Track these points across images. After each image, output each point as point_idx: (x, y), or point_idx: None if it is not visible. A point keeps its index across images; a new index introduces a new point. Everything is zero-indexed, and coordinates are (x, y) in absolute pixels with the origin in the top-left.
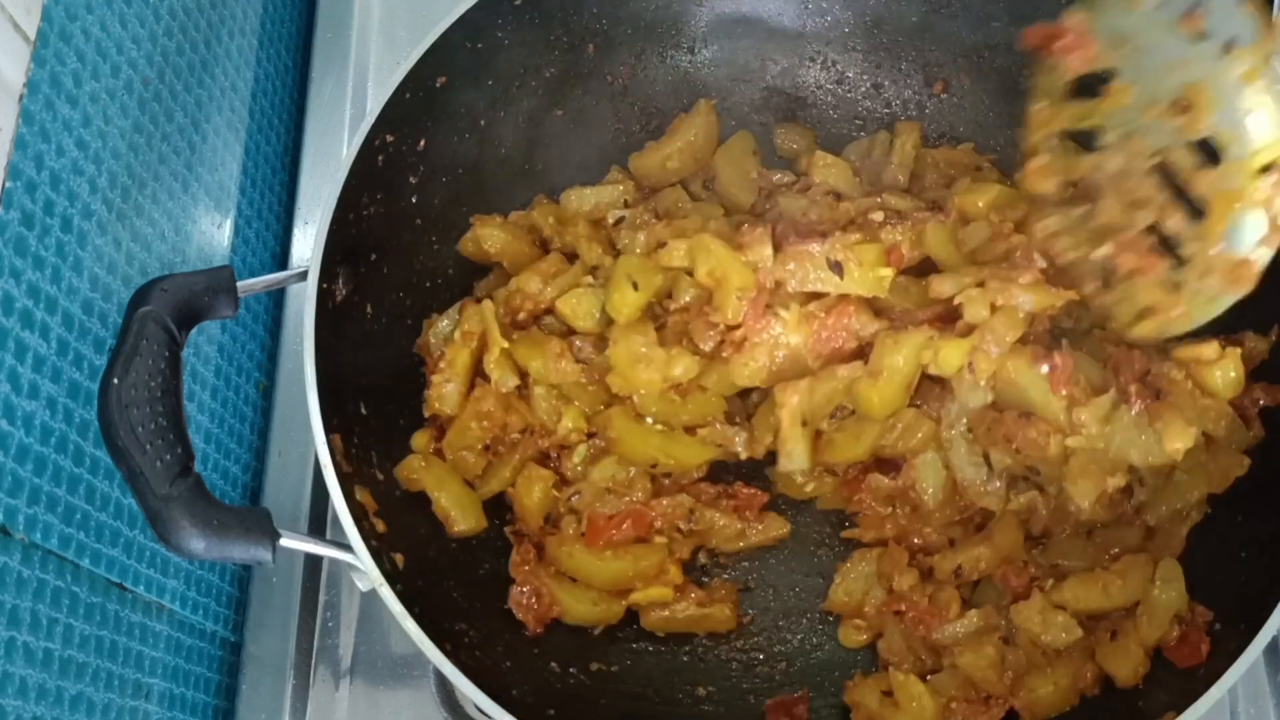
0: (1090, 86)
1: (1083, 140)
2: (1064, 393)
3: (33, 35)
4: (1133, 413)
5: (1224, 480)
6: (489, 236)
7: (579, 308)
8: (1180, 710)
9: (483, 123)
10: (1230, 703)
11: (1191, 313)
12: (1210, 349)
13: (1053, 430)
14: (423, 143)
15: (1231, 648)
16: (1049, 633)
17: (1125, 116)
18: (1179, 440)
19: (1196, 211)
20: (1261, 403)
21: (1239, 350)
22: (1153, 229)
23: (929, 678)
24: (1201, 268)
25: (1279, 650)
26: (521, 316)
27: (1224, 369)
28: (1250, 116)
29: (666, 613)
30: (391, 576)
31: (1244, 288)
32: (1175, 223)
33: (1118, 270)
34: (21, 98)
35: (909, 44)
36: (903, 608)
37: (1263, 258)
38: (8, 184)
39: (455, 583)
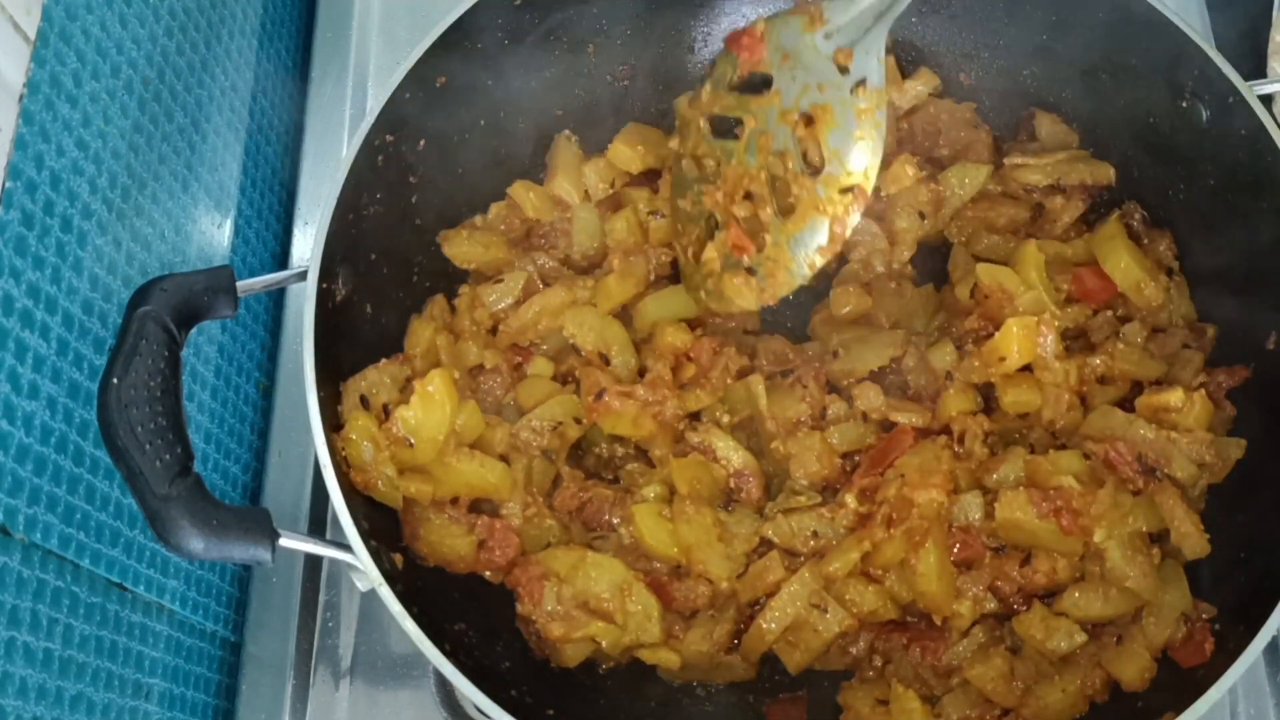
0: (755, 86)
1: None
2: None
3: (33, 35)
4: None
5: (1225, 468)
6: (456, 253)
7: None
8: (1180, 710)
9: (483, 123)
10: (1230, 703)
11: (766, 290)
12: (1175, 396)
13: (1063, 555)
14: (423, 143)
15: (1231, 648)
16: (1053, 640)
17: (767, 116)
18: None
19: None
20: (1225, 385)
21: (1203, 393)
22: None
23: (941, 700)
24: (772, 258)
25: (1279, 650)
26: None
27: (1191, 407)
28: (855, 145)
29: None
30: (391, 576)
31: (793, 284)
32: (766, 214)
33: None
34: (21, 98)
35: (908, 44)
36: (906, 641)
37: (817, 262)
38: (8, 184)
39: (455, 583)
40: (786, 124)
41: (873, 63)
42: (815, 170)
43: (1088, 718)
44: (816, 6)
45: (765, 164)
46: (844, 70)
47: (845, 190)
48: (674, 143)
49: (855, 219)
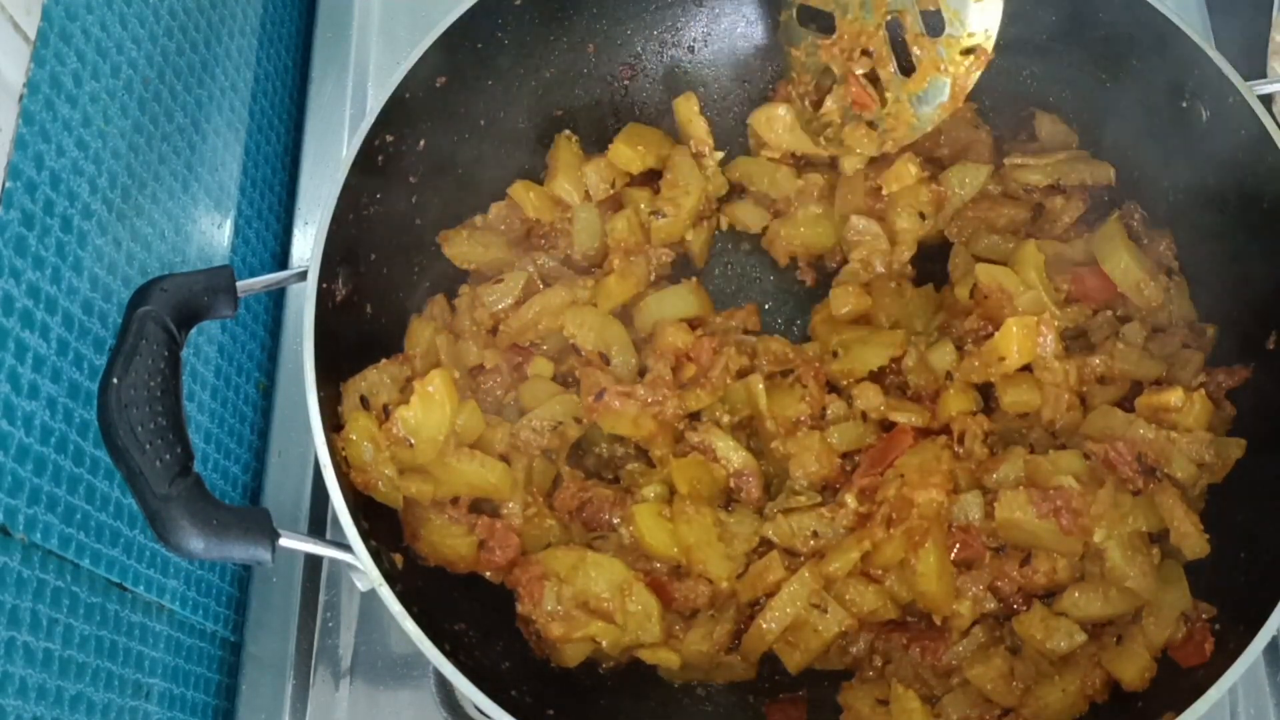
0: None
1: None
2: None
3: (33, 35)
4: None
5: (1225, 468)
6: (456, 253)
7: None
8: (1180, 710)
9: (483, 123)
10: (1230, 703)
11: (888, 140)
12: (1175, 396)
13: (1063, 555)
14: (423, 143)
15: (1231, 648)
16: (1052, 639)
17: None
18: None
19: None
20: (1225, 385)
21: (1203, 393)
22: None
23: (941, 700)
24: (894, 114)
25: (1279, 650)
26: (488, 327)
27: (1191, 407)
28: (974, 5)
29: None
30: (391, 576)
31: (915, 135)
32: (887, 74)
33: (844, 102)
34: (21, 98)
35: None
36: (906, 641)
37: (938, 117)
38: (8, 184)
39: (455, 583)
40: None
41: None
42: (935, 31)
43: (1088, 718)
44: None
45: (882, 21)
46: None
47: (967, 51)
48: None
49: (976, 78)
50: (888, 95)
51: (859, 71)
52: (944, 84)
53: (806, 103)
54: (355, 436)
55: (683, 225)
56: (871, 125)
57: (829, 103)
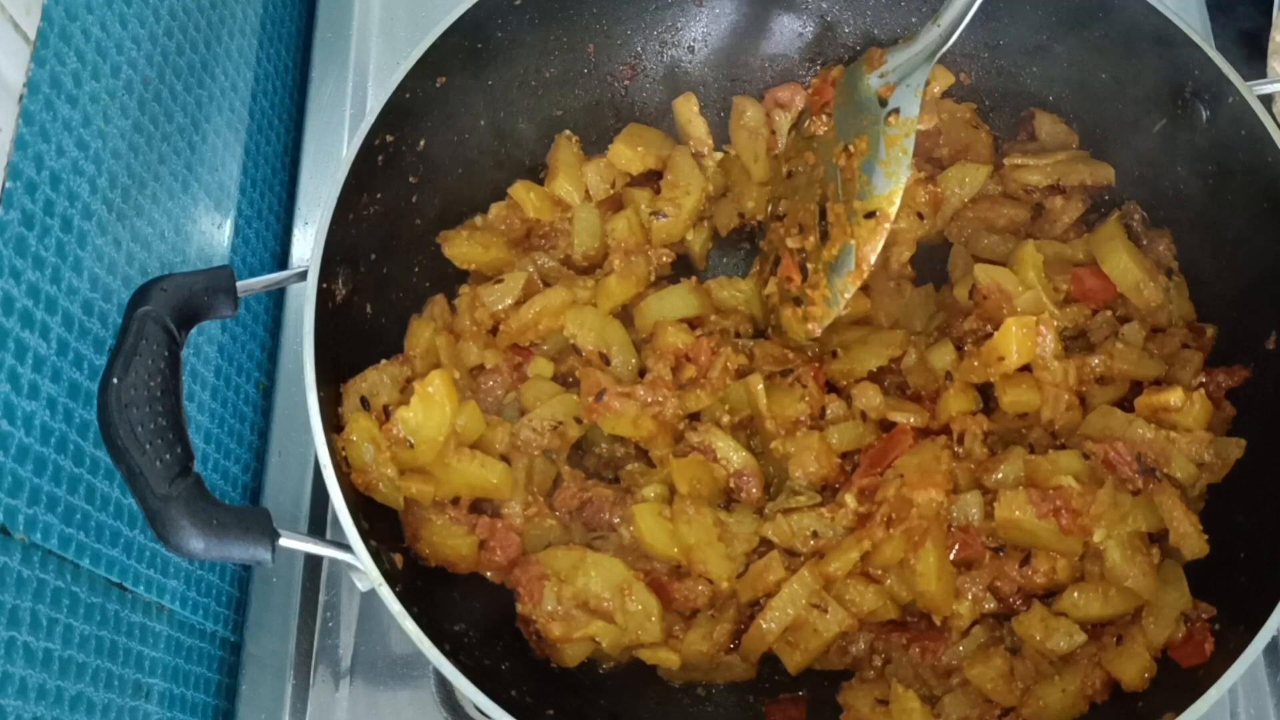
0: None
1: None
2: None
3: (33, 35)
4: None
5: (1224, 467)
6: (456, 254)
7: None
8: (1180, 710)
9: (483, 123)
10: (1230, 703)
11: (809, 319)
12: (1175, 396)
13: (1063, 555)
14: (423, 143)
15: (1231, 648)
16: (1052, 639)
17: (823, 152)
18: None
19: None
20: (1225, 385)
21: (1203, 393)
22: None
23: (941, 700)
24: (813, 285)
25: (1279, 650)
26: (489, 327)
27: (1190, 407)
28: (879, 169)
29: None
30: (391, 576)
31: (830, 311)
32: (811, 244)
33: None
34: (21, 98)
35: None
36: (906, 641)
37: (847, 289)
38: (8, 184)
39: (455, 583)
40: (834, 157)
41: (910, 94)
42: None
43: (1088, 718)
44: (880, 51)
45: (814, 195)
46: (883, 102)
47: (869, 215)
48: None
49: (878, 243)
50: (809, 266)
51: (793, 246)
52: (850, 250)
53: (763, 292)
54: (356, 437)
55: (683, 225)
56: (798, 303)
57: (770, 285)
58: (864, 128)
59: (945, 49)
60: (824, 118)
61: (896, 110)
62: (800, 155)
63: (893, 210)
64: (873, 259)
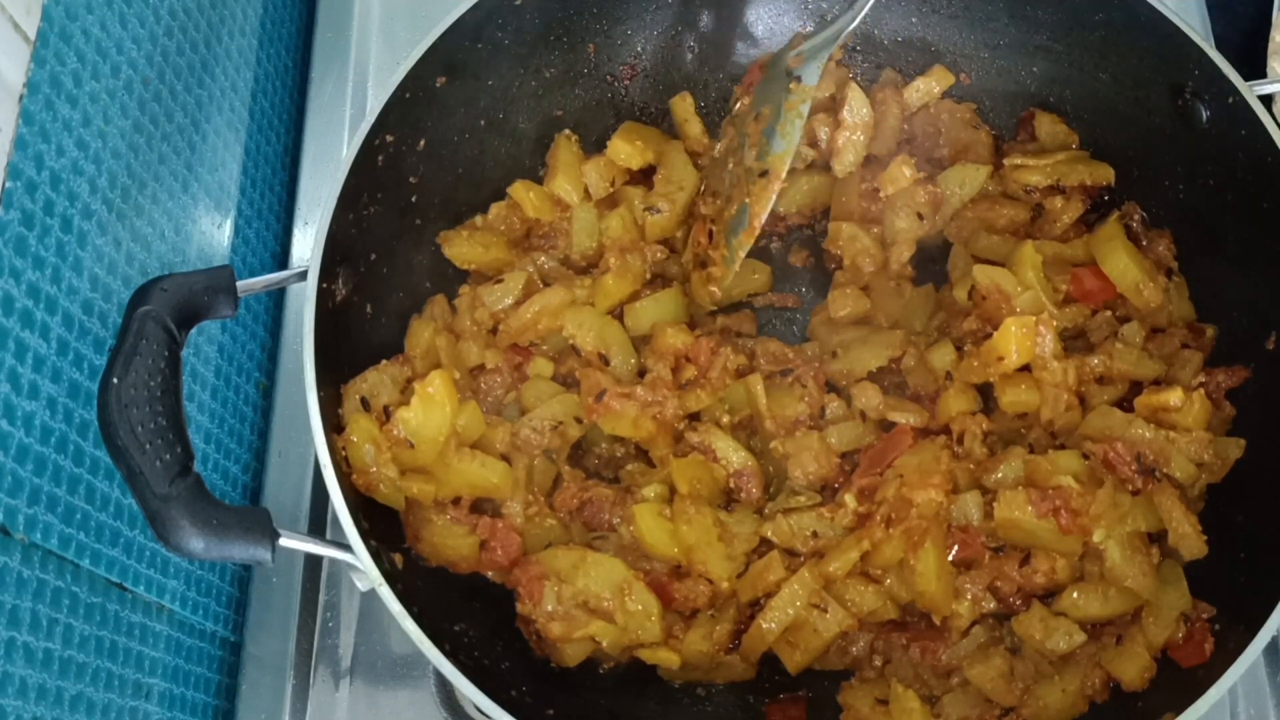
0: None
1: None
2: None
3: (33, 35)
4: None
5: (1224, 467)
6: (456, 254)
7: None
8: (1180, 710)
9: (483, 123)
10: (1230, 703)
11: (711, 281)
12: (1174, 396)
13: (1063, 555)
14: (423, 143)
15: (1231, 648)
16: (1052, 639)
17: (741, 123)
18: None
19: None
20: (1225, 385)
21: (1202, 393)
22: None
23: (941, 700)
24: (716, 245)
25: (1279, 650)
26: (489, 326)
27: (1190, 407)
28: (775, 133)
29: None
30: (391, 576)
31: (727, 271)
32: (716, 207)
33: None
34: (21, 98)
35: (909, 44)
36: (906, 641)
37: (740, 249)
38: (8, 184)
39: (455, 583)
40: (746, 126)
41: (814, 67)
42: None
43: (1088, 718)
44: (802, 35)
45: (728, 164)
46: (789, 74)
47: (763, 174)
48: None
49: (769, 200)
50: (712, 229)
51: (704, 211)
52: (746, 210)
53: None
54: (356, 438)
55: (677, 221)
56: (705, 266)
57: (686, 252)
58: (772, 97)
59: (851, 29)
60: (747, 99)
61: (799, 78)
62: (725, 132)
63: (783, 169)
64: (764, 215)
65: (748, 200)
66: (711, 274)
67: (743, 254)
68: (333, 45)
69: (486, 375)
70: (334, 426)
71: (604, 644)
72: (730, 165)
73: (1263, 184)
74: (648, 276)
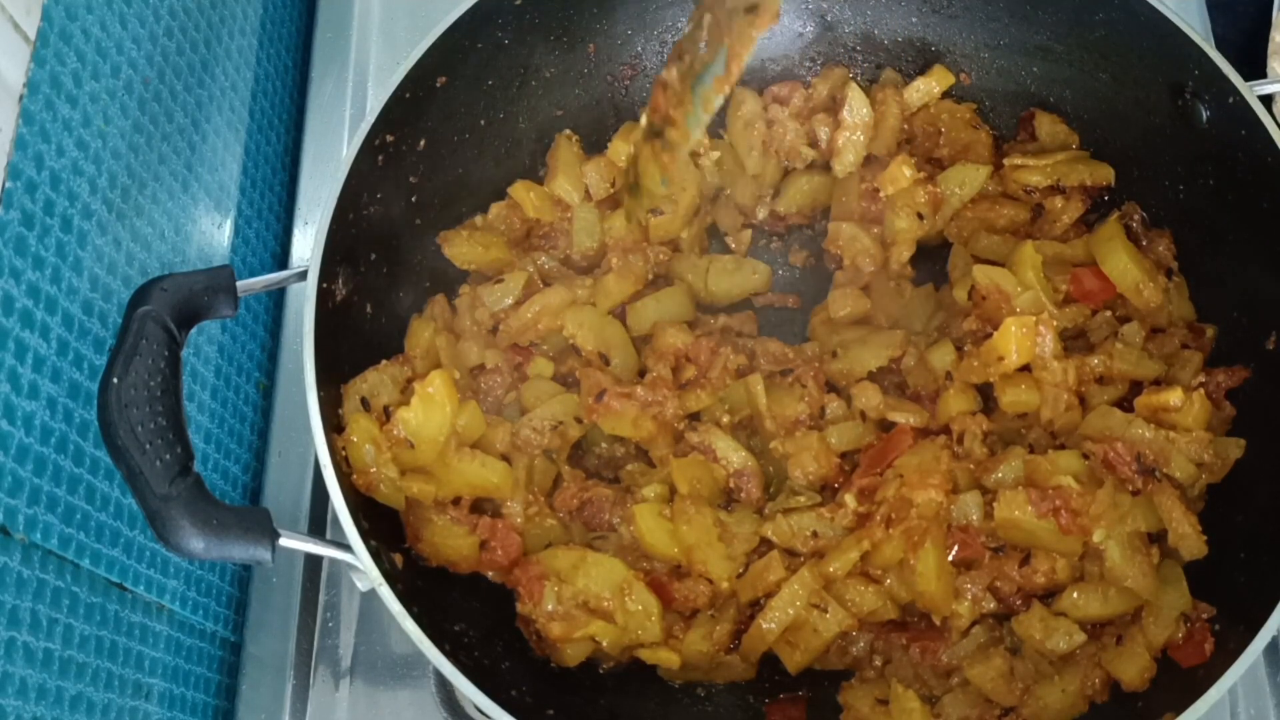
0: None
1: None
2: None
3: (33, 35)
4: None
5: (1224, 467)
6: (456, 254)
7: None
8: (1180, 710)
9: (483, 123)
10: (1230, 703)
11: (673, 145)
12: (1174, 396)
13: (1063, 555)
14: (423, 143)
15: (1231, 648)
16: (1052, 639)
17: None
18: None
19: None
20: (1225, 385)
21: (1202, 393)
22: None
23: (941, 700)
24: (675, 104)
25: (1279, 650)
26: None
27: (1190, 407)
28: None
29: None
30: (391, 576)
31: (693, 127)
32: (683, 66)
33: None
34: (21, 98)
35: (910, 44)
36: (906, 641)
37: (713, 98)
38: (8, 184)
39: (455, 583)
40: None
41: None
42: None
43: (1088, 718)
44: None
45: (698, 21)
46: None
47: (750, 9)
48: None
49: (753, 42)
50: (678, 88)
51: (667, 76)
52: (723, 53)
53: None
54: (356, 439)
55: (680, 222)
56: (659, 136)
57: (635, 132)
58: None
59: None
60: None
61: None
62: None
63: (775, 7)
64: (745, 59)
65: (725, 42)
66: (669, 138)
67: (712, 108)
68: (333, 45)
69: (486, 375)
70: (334, 426)
71: (604, 644)
72: (705, 19)
73: (1263, 184)
74: (650, 277)
